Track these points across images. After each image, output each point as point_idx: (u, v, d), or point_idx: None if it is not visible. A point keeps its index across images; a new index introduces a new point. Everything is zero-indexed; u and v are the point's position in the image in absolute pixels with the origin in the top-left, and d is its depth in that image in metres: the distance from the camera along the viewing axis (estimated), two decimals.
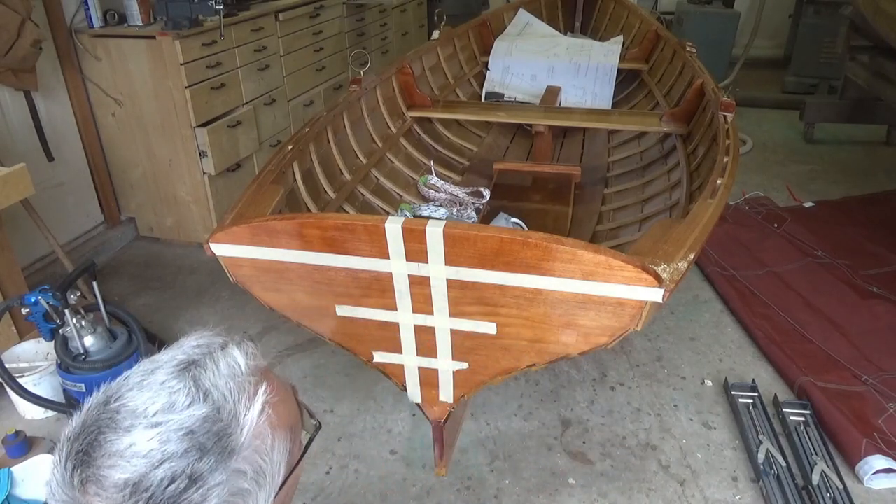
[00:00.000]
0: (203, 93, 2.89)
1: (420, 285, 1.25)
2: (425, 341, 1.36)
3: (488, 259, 1.18)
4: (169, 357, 0.66)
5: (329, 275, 1.28)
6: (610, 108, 3.18)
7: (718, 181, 1.60)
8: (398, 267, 1.24)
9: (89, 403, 0.63)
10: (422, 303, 1.28)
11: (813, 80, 5.14)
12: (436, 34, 3.27)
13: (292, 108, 3.63)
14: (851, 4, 3.87)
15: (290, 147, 1.88)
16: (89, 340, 1.99)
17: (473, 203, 2.34)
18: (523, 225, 2.09)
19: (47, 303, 1.92)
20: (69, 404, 2.02)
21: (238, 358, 0.67)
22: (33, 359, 2.25)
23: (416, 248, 1.21)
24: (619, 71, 3.29)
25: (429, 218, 1.26)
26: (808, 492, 1.81)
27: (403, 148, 2.64)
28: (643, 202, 2.30)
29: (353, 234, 1.22)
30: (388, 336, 1.37)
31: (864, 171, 3.93)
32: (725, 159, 1.74)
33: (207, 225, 3.10)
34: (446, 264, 1.21)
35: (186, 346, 0.68)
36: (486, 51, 3.55)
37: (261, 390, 0.66)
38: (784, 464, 1.90)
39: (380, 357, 1.44)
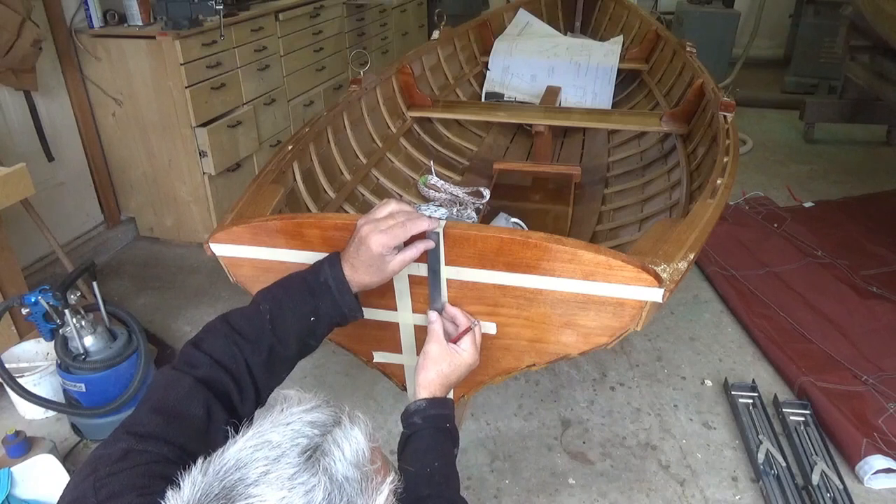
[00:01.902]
0: (203, 93, 2.89)
1: (420, 285, 1.25)
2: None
3: (488, 259, 1.18)
4: (289, 441, 0.61)
5: None
6: (610, 108, 3.17)
7: (718, 181, 1.60)
8: None
9: (193, 494, 0.58)
10: (422, 303, 1.28)
11: (813, 80, 5.14)
12: (436, 34, 3.26)
13: (292, 108, 3.63)
14: (851, 4, 3.87)
15: (290, 147, 1.88)
16: (89, 340, 1.99)
17: (473, 203, 2.33)
18: (523, 225, 2.09)
19: (47, 303, 1.92)
20: (69, 404, 2.02)
21: (360, 440, 0.63)
22: (33, 359, 2.25)
23: None
24: (619, 71, 3.28)
25: (429, 217, 1.26)
26: (808, 492, 1.81)
27: (403, 148, 2.64)
28: (643, 202, 2.30)
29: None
30: (388, 336, 1.37)
31: (864, 171, 3.93)
32: (725, 159, 1.73)
33: (207, 225, 3.10)
34: (446, 264, 1.21)
35: (299, 424, 0.63)
36: (486, 51, 3.55)
37: (388, 480, 0.63)
38: (784, 464, 1.90)
39: (380, 357, 1.44)
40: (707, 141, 2.17)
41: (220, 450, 0.62)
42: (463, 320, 1.20)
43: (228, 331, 1.02)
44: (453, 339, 1.19)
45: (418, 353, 1.31)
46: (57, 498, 0.78)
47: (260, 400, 1.03)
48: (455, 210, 2.25)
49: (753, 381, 2.21)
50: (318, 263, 1.12)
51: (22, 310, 1.94)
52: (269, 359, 1.02)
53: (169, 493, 0.60)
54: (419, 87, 2.79)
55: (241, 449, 0.60)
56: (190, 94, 2.82)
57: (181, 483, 0.60)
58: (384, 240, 1.05)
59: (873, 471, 1.87)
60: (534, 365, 1.33)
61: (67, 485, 0.79)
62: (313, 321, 1.07)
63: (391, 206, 1.10)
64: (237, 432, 0.96)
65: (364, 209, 2.23)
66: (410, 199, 2.39)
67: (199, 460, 0.61)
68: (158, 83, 2.84)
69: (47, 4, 2.72)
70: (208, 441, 0.89)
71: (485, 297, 1.24)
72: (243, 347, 1.00)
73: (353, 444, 0.62)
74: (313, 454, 0.60)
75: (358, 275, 1.09)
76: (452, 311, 1.22)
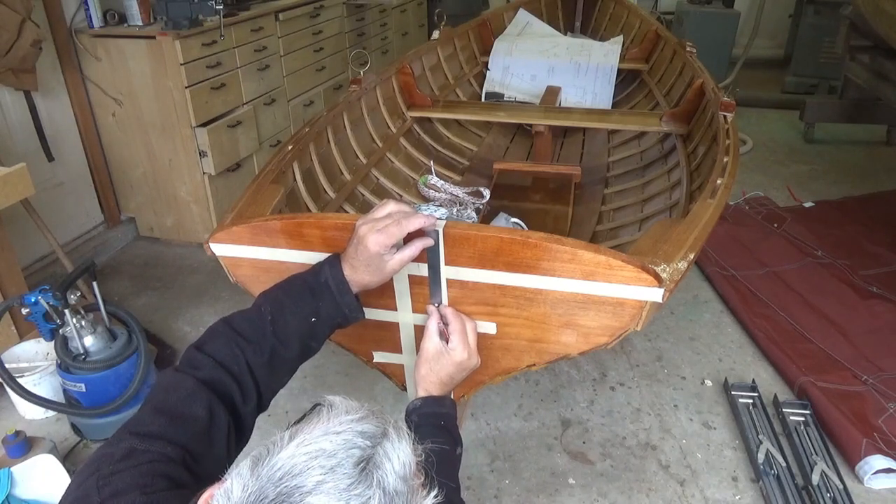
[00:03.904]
0: (203, 93, 2.89)
1: (420, 285, 1.25)
2: None
3: (488, 259, 1.18)
4: (342, 451, 0.60)
5: None
6: (610, 108, 3.17)
7: (718, 181, 1.60)
8: None
9: (244, 496, 0.57)
10: (422, 303, 1.28)
11: (813, 80, 5.14)
12: (436, 34, 3.26)
13: (292, 108, 3.63)
14: (851, 4, 3.86)
15: (290, 147, 1.88)
16: (89, 340, 1.99)
17: (473, 203, 2.33)
18: (523, 225, 2.09)
19: (47, 303, 1.92)
20: (69, 404, 2.02)
21: (409, 453, 0.63)
22: (33, 359, 2.25)
23: None
24: (619, 71, 3.28)
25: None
26: (808, 492, 1.81)
27: (403, 148, 2.64)
28: (643, 202, 2.30)
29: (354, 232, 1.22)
30: (388, 336, 1.37)
31: (864, 171, 3.93)
32: (725, 159, 1.73)
33: (207, 225, 3.10)
34: (446, 264, 1.21)
35: (351, 434, 0.62)
36: (486, 51, 3.55)
37: (432, 494, 0.64)
38: (784, 464, 1.90)
39: (380, 357, 1.44)
40: (707, 141, 2.17)
41: (267, 453, 0.61)
42: (453, 320, 1.21)
43: (230, 333, 1.02)
44: (446, 339, 1.20)
45: (418, 354, 1.31)
46: (57, 498, 0.78)
47: (262, 402, 1.03)
48: (455, 210, 2.25)
49: (753, 381, 2.21)
50: (319, 265, 1.12)
51: (22, 310, 1.94)
52: (270, 360, 1.03)
53: (217, 493, 0.60)
54: (419, 87, 2.79)
55: (293, 455, 0.60)
56: (190, 94, 2.82)
57: (229, 485, 0.59)
58: (381, 239, 1.05)
59: (873, 471, 1.87)
60: (534, 365, 1.33)
61: (70, 484, 0.80)
62: (314, 322, 1.08)
63: (389, 207, 1.10)
64: (238, 436, 0.96)
65: (364, 209, 2.23)
66: (410, 199, 2.39)
67: (245, 462, 0.61)
68: (158, 83, 2.84)
69: (47, 4, 2.72)
70: (211, 441, 0.89)
71: (485, 297, 1.24)
72: (245, 349, 1.00)
73: (401, 458, 0.62)
74: (367, 466, 0.60)
75: (358, 275, 1.09)
76: (445, 310, 1.23)
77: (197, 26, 2.81)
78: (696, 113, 2.43)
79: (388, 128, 2.61)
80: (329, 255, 1.14)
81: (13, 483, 1.75)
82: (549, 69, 3.32)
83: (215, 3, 2.74)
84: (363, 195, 2.26)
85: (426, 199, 2.40)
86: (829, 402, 2.07)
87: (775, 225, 3.18)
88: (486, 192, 2.36)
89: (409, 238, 1.11)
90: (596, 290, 1.16)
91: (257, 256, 1.32)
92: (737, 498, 1.86)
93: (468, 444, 2.01)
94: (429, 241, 1.14)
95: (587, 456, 2.00)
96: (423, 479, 0.65)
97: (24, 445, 1.85)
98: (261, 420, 1.02)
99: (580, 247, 1.14)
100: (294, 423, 0.66)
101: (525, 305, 1.23)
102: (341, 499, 0.57)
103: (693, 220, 1.43)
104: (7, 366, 1.91)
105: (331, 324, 1.11)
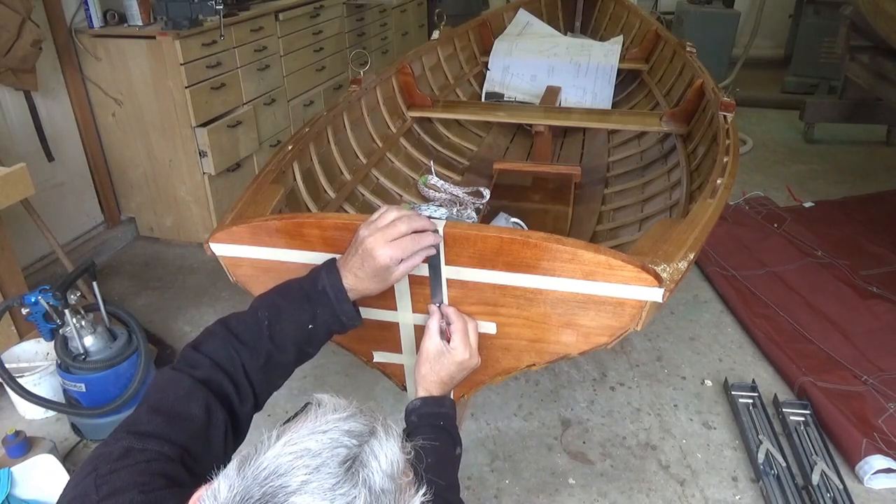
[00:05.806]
0: (203, 93, 2.89)
1: (420, 285, 1.25)
2: None
3: (488, 259, 1.18)
4: (328, 450, 0.60)
5: None
6: (610, 108, 3.17)
7: (718, 181, 1.60)
8: None
9: (230, 496, 0.57)
10: (422, 302, 1.28)
11: (813, 80, 5.14)
12: (436, 34, 3.26)
13: (292, 108, 3.63)
14: (851, 4, 3.87)
15: (290, 147, 1.88)
16: (89, 340, 1.99)
17: (473, 203, 2.33)
18: (523, 225, 2.09)
19: (47, 303, 1.92)
20: (69, 404, 2.02)
21: (396, 452, 0.63)
22: (33, 359, 2.25)
23: None
24: (619, 71, 3.28)
25: (429, 218, 1.26)
26: (808, 492, 1.81)
27: (403, 148, 2.64)
28: (643, 202, 2.30)
29: (353, 234, 1.22)
30: (388, 336, 1.37)
31: (864, 171, 3.93)
32: (725, 159, 1.73)
33: (207, 225, 3.10)
34: (446, 264, 1.21)
35: (337, 433, 0.62)
36: (486, 51, 3.55)
37: (420, 491, 0.63)
38: (784, 464, 1.90)
39: (380, 357, 1.44)
40: (707, 141, 2.17)
41: (254, 452, 0.61)
42: (455, 319, 1.21)
43: (227, 335, 1.02)
44: (447, 338, 1.20)
45: (418, 353, 1.31)
46: (57, 498, 0.78)
47: (258, 403, 1.03)
48: (455, 210, 2.25)
49: (753, 381, 2.21)
50: (316, 271, 1.11)
51: (22, 310, 1.94)
52: (266, 364, 1.03)
53: (205, 493, 0.60)
54: (419, 87, 2.79)
55: (279, 455, 0.60)
56: (190, 94, 2.82)
57: (217, 485, 0.59)
58: (396, 253, 1.05)
59: (873, 471, 1.87)
60: (534, 365, 1.33)
61: (68, 483, 0.80)
62: (311, 329, 1.07)
63: (393, 213, 1.09)
64: (235, 435, 0.96)
65: (364, 209, 2.23)
66: (410, 198, 2.39)
67: (233, 462, 0.61)
68: (158, 83, 2.84)
69: (47, 4, 2.72)
70: (208, 441, 0.89)
71: (485, 297, 1.24)
72: (241, 352, 1.00)
73: (389, 456, 0.62)
74: (352, 465, 0.60)
75: (362, 284, 1.08)
76: (446, 310, 1.23)
77: (197, 26, 2.81)
78: (696, 113, 2.43)
79: (388, 128, 2.61)
80: (326, 259, 1.14)
81: (13, 483, 1.75)
82: (549, 69, 3.32)
83: (215, 3, 2.74)
84: (363, 195, 2.26)
85: (426, 199, 2.40)
86: (829, 402, 2.07)
87: (775, 225, 3.18)
88: (486, 192, 2.36)
89: None
90: (596, 290, 1.16)
91: (257, 256, 1.32)
92: (737, 498, 1.86)
93: (468, 444, 2.01)
94: (432, 251, 1.13)
95: (587, 456, 2.00)
96: (411, 476, 0.65)
97: (24, 445, 1.85)
98: (261, 420, 1.02)
99: (580, 247, 1.14)
100: (284, 423, 0.65)
101: (525, 305, 1.23)
102: (326, 498, 0.57)
103: (693, 220, 1.43)
104: (7, 366, 1.91)
105: (327, 330, 1.11)
